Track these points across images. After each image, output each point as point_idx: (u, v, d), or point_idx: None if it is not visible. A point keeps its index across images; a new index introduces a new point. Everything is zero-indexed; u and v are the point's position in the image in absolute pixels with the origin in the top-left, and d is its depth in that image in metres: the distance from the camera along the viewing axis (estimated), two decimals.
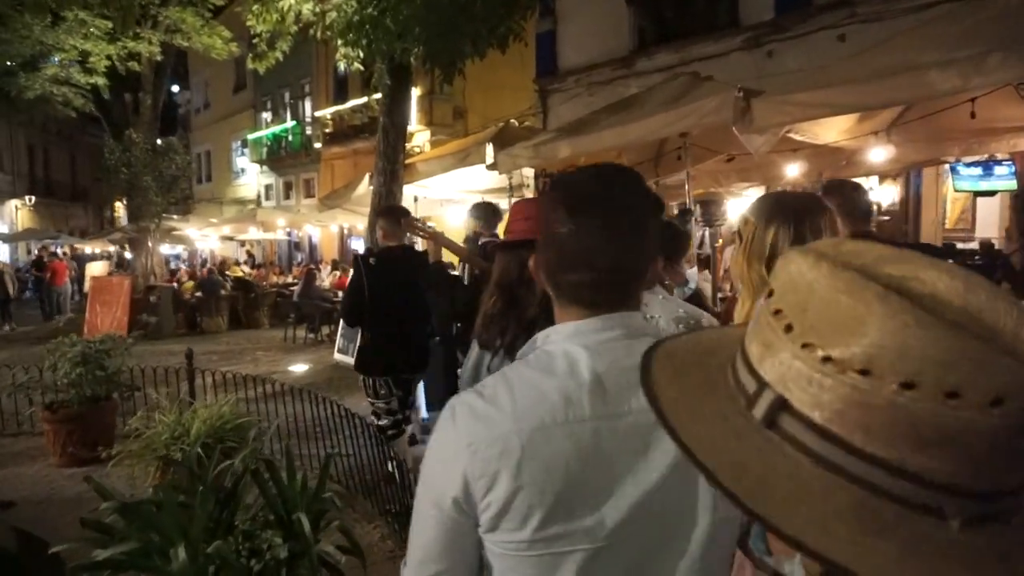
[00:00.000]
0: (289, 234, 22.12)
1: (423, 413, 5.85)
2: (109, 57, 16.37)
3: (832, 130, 5.07)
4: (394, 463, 3.88)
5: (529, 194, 9.22)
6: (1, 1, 15.18)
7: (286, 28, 8.18)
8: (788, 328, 0.55)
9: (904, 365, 0.48)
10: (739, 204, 7.04)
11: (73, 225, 35.33)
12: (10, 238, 26.61)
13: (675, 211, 11.48)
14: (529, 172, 7.86)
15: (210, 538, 2.22)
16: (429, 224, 3.92)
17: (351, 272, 4.60)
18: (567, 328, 0.99)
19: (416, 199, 9.50)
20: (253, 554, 2.23)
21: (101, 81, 16.94)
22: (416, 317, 4.19)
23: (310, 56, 22.67)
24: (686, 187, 6.27)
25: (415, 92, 18.40)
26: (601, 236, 0.97)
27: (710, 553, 0.94)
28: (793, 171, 6.39)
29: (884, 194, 8.59)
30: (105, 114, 17.82)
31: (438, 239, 3.75)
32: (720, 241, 6.73)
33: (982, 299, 0.51)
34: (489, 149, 6.86)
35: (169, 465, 3.87)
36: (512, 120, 8.42)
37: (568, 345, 0.96)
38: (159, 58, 17.31)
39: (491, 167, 6.90)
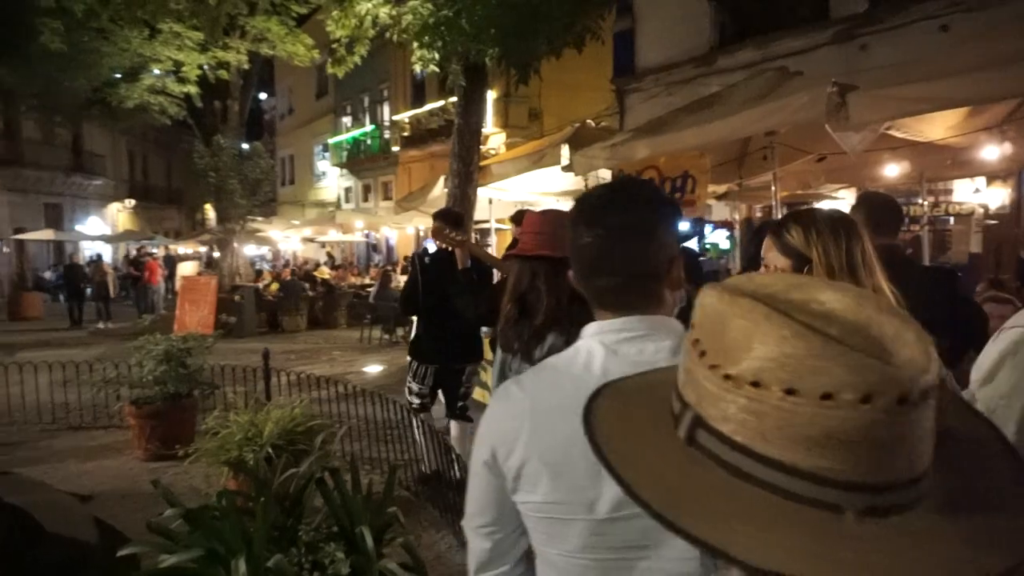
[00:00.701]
0: (367, 236, 22.59)
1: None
2: (200, 67, 17.14)
3: (938, 126, 4.67)
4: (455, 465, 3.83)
5: None
6: (103, 17, 16.07)
7: (364, 32, 8.28)
8: (702, 354, 0.62)
9: (784, 374, 0.55)
10: (829, 207, 6.64)
11: (167, 227, 37.21)
12: (111, 239, 28.23)
13: (757, 213, 11.04)
14: (605, 174, 7.67)
15: (273, 548, 2.16)
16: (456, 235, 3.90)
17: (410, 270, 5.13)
18: (592, 327, 1.12)
19: (491, 201, 9.43)
20: (316, 567, 2.16)
21: (193, 90, 17.73)
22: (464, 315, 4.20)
23: (388, 60, 23.11)
24: (772, 189, 5.96)
25: (490, 94, 18.47)
26: (612, 243, 1.08)
27: None
28: (892, 171, 5.95)
29: (993, 196, 7.94)
30: (196, 121, 18.64)
31: (465, 247, 3.88)
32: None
33: (869, 313, 0.58)
34: (564, 150, 6.71)
35: (241, 466, 3.89)
36: (588, 120, 8.24)
37: (589, 342, 1.10)
38: (246, 66, 17.97)
39: (566, 169, 6.75)
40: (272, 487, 2.44)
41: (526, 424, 1.06)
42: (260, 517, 2.07)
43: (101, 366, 6.35)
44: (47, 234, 24.30)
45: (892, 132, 4.60)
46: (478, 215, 9.22)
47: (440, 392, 4.90)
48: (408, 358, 4.90)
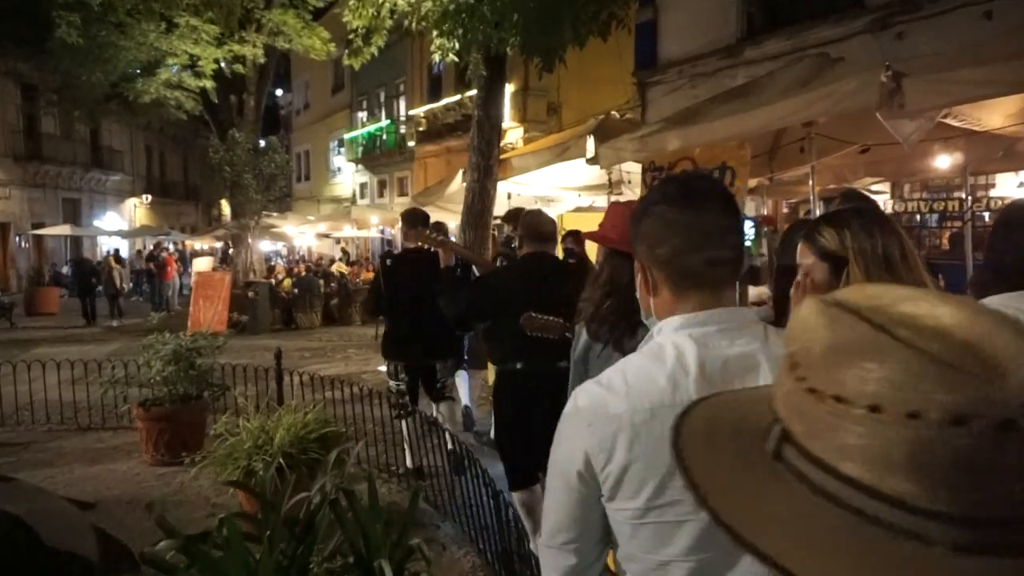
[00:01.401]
0: (382, 232, 22.39)
1: (465, 401, 5.97)
2: (216, 60, 17.01)
3: (997, 114, 4.34)
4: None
5: (630, 192, 8.73)
6: (120, 11, 15.96)
7: (381, 23, 8.03)
8: (794, 366, 0.60)
9: (868, 388, 0.52)
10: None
11: (184, 222, 37.28)
12: (127, 234, 28.30)
13: (783, 209, 10.66)
14: (631, 167, 7.37)
15: None
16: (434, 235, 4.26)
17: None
18: (675, 321, 1.08)
19: (510, 196, 9.16)
20: None
21: (209, 84, 17.61)
22: (431, 311, 4.15)
23: (405, 55, 22.89)
24: (810, 183, 5.64)
25: (508, 88, 18.21)
26: (714, 218, 1.08)
27: None
28: (940, 163, 5.61)
29: None
30: (212, 116, 18.53)
31: (447, 247, 4.01)
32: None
33: (987, 329, 0.52)
34: (590, 142, 6.43)
35: (251, 476, 3.66)
36: (613, 112, 7.94)
37: (676, 337, 1.07)
38: (262, 60, 17.82)
39: (591, 161, 6.47)
40: (281, 510, 2.19)
41: (626, 427, 1.02)
42: (266, 551, 1.83)
43: (110, 364, 6.15)
44: (64, 229, 24.34)
45: (948, 120, 4.28)
46: (497, 211, 8.95)
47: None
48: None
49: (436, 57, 7.88)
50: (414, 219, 4.84)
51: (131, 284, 22.14)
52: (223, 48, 17.12)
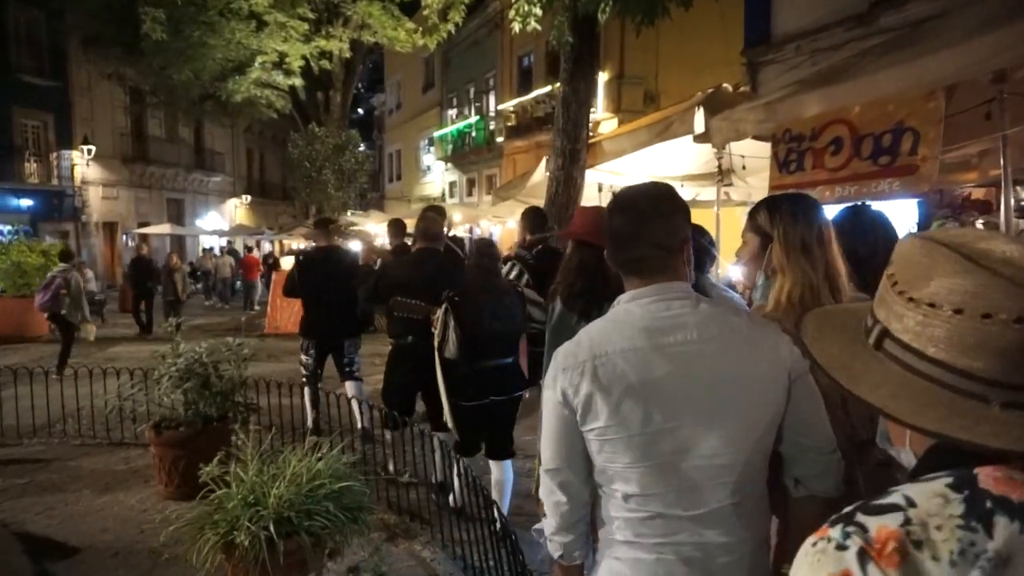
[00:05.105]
0: (471, 231, 21.61)
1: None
2: (304, 57, 16.72)
3: None
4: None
5: (739, 183, 7.38)
6: (212, 10, 15.87)
7: None
8: (894, 283, 0.85)
9: (954, 298, 0.77)
10: None
11: (282, 222, 38.03)
12: (224, 233, 28.91)
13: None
14: (746, 150, 6.04)
15: None
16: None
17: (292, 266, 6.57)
18: (627, 295, 1.47)
19: (600, 188, 7.98)
20: None
21: (298, 82, 17.38)
22: (336, 299, 5.59)
23: (496, 47, 22.10)
24: (1001, 159, 4.19)
25: (602, 77, 16.95)
26: (640, 222, 1.44)
27: (742, 446, 1.39)
28: None
29: None
30: (301, 114, 18.32)
31: (362, 239, 5.57)
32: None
33: None
34: (699, 116, 5.18)
35: (232, 549, 2.69)
36: (725, 84, 6.61)
37: (627, 305, 1.45)
38: (348, 55, 17.42)
39: (700, 139, 5.22)
40: None
41: (588, 368, 1.39)
42: None
43: (142, 373, 5.43)
44: (164, 228, 24.99)
45: None
46: (586, 203, 7.76)
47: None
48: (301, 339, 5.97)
49: (516, 27, 6.80)
50: (323, 224, 6.18)
51: (198, 286, 22.13)
52: (310, 44, 16.86)
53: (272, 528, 2.68)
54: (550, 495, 1.47)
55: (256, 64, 17.13)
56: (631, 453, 1.35)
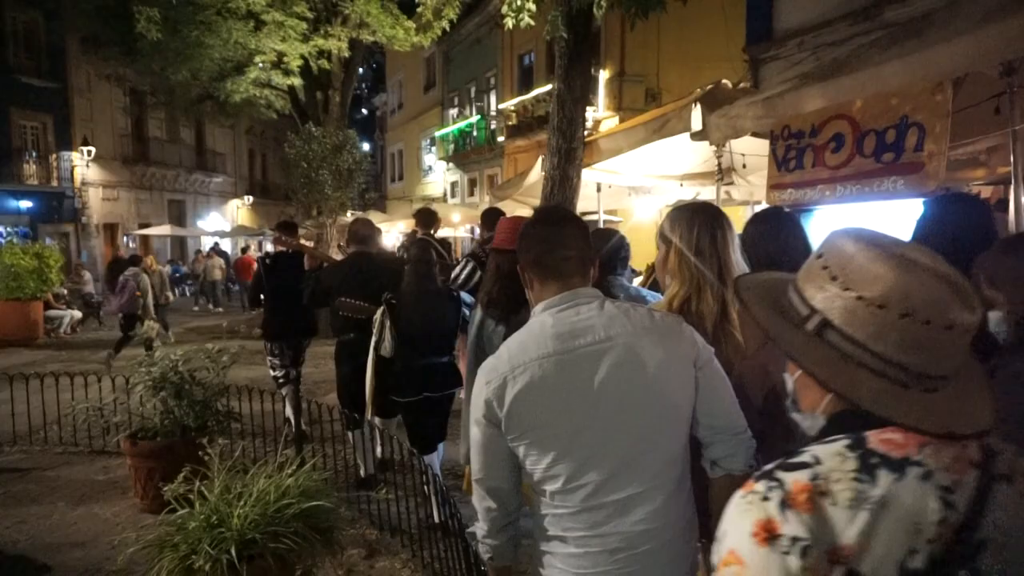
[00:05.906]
0: (472, 231, 21.41)
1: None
2: (303, 56, 16.55)
3: None
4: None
5: (741, 183, 7.19)
6: (209, 10, 15.72)
7: None
8: (833, 278, 0.95)
9: (888, 298, 0.90)
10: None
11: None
12: (224, 234, 28.80)
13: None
14: (746, 148, 5.86)
15: None
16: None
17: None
18: (541, 306, 1.58)
19: (599, 188, 7.80)
20: None
21: (297, 82, 17.21)
22: (298, 299, 5.33)
23: (496, 46, 21.91)
24: (1011, 155, 3.99)
25: (603, 75, 16.76)
26: (566, 231, 1.62)
27: (657, 434, 1.50)
28: None
29: None
30: (300, 114, 18.15)
31: (305, 249, 5.73)
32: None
33: (955, 275, 0.92)
34: (695, 112, 5.00)
35: (192, 575, 2.53)
36: (724, 80, 6.41)
37: (542, 315, 1.56)
38: (346, 54, 17.25)
39: (697, 136, 5.04)
40: None
41: (508, 380, 1.48)
42: None
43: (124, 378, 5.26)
44: (164, 229, 24.90)
45: None
46: (584, 205, 7.57)
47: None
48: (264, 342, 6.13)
49: (509, 23, 6.62)
50: (286, 228, 6.15)
51: (184, 291, 21.91)
52: (308, 43, 16.70)
53: (234, 551, 2.51)
54: (481, 501, 1.58)
55: (255, 64, 16.97)
56: (554, 452, 1.46)
